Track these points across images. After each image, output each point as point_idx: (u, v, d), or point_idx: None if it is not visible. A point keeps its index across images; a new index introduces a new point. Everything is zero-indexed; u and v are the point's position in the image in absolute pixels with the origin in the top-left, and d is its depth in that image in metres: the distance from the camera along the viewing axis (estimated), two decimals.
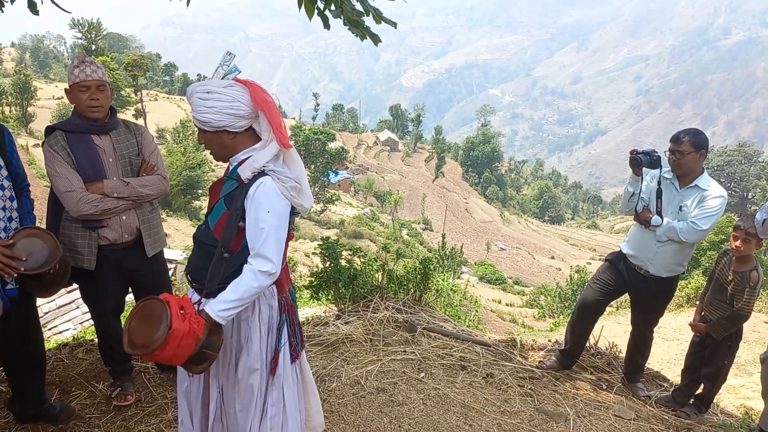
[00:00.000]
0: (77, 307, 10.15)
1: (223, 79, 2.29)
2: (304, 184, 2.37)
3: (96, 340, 4.30)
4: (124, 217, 3.27)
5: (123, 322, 3.55)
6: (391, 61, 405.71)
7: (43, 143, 3.17)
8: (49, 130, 3.19)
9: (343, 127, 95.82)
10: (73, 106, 3.23)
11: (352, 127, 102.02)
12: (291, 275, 2.65)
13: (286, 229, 2.33)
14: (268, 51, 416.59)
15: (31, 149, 40.21)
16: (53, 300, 9.85)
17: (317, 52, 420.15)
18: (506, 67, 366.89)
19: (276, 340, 2.47)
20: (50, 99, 62.76)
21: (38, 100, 59.46)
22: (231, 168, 2.38)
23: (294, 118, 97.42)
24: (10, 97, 56.95)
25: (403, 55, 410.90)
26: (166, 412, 3.50)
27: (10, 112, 54.93)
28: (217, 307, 2.23)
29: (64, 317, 10.04)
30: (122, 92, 55.25)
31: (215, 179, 2.51)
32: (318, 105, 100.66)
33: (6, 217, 2.79)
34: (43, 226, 2.83)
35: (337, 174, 62.76)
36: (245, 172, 2.28)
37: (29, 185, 3.06)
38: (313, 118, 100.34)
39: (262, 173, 2.29)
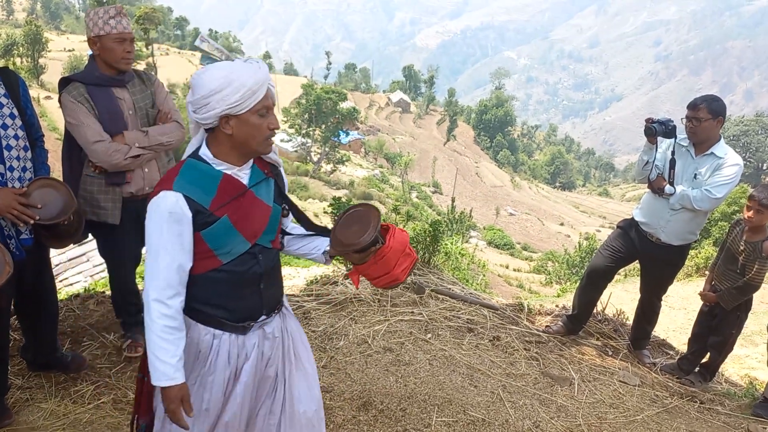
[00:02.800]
0: (88, 260, 10.25)
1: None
2: None
3: (107, 292, 4.36)
4: (146, 170, 3.27)
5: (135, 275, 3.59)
6: (406, 20, 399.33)
7: (60, 94, 3.12)
8: (66, 81, 3.15)
9: (355, 87, 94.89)
10: (88, 57, 3.20)
11: (364, 87, 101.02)
12: None
13: None
14: (281, 7, 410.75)
15: (42, 101, 40.15)
16: (64, 252, 9.93)
17: (331, 9, 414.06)
18: (523, 29, 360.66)
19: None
20: (62, 51, 62.41)
21: (49, 51, 59.09)
22: (251, 164, 2.02)
23: (305, 77, 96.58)
24: (21, 48, 56.62)
25: (417, 14, 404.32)
26: None
27: (21, 63, 54.67)
28: None
29: (75, 269, 10.15)
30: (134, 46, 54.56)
31: None
32: (330, 64, 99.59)
33: (21, 167, 2.79)
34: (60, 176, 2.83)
35: (347, 134, 62.37)
36: (274, 155, 2.04)
37: (43, 135, 3.05)
38: (325, 77, 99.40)
39: None
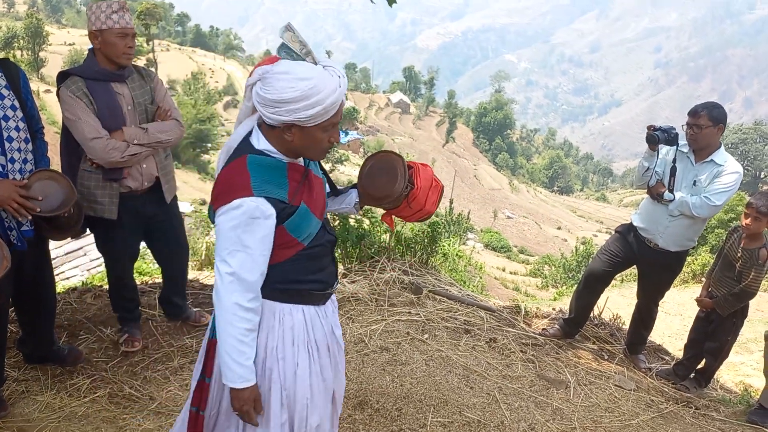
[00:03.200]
0: (85, 254, 10.23)
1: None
2: None
3: (105, 285, 4.36)
4: (144, 166, 3.26)
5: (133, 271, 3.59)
6: (407, 20, 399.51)
7: (59, 88, 3.10)
8: (64, 75, 3.13)
9: (355, 87, 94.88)
10: (87, 51, 3.20)
11: (364, 87, 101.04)
12: None
13: None
14: (282, 5, 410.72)
15: (42, 95, 40.07)
16: (61, 246, 9.91)
17: (331, 8, 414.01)
18: (524, 32, 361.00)
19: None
20: (62, 45, 62.34)
21: (50, 45, 59.05)
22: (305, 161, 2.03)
23: None
24: (21, 41, 56.55)
25: (419, 14, 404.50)
26: (172, 359, 3.56)
27: (22, 56, 54.60)
28: None
29: (72, 263, 10.12)
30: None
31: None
32: None
33: (22, 159, 2.79)
34: (59, 169, 2.83)
35: (347, 134, 62.42)
36: None
37: (43, 128, 3.05)
38: None
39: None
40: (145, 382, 3.33)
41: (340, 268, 5.34)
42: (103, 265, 3.97)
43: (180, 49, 79.36)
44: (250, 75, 1.83)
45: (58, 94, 3.09)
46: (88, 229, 3.36)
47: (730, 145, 67.70)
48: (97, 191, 3.17)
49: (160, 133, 3.24)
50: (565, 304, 6.14)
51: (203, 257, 6.87)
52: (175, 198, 3.58)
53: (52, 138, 4.01)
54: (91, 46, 3.18)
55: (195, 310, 3.95)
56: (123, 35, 3.07)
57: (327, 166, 54.54)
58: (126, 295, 3.59)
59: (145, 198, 3.34)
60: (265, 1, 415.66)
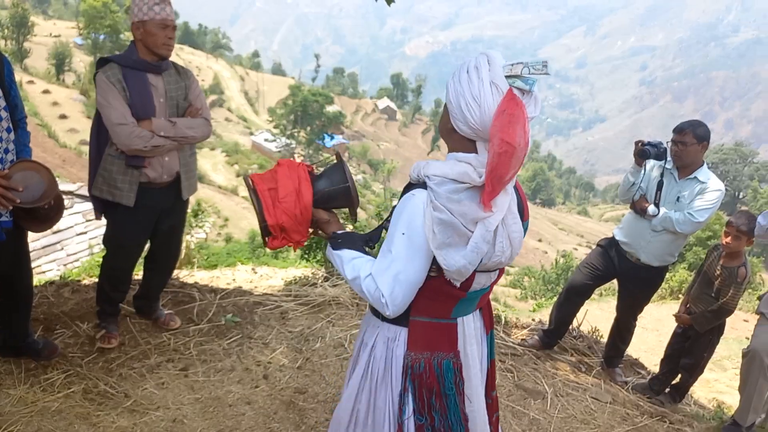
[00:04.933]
0: (62, 249, 10.12)
1: (510, 77, 1.65)
2: (475, 237, 1.69)
3: (84, 281, 4.31)
4: (166, 159, 3.30)
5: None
6: (397, 27, 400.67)
7: (96, 73, 3.16)
8: (104, 61, 3.20)
9: (342, 92, 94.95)
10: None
11: (352, 92, 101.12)
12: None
13: (416, 265, 1.75)
14: (273, 6, 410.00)
15: (25, 86, 39.57)
16: (38, 239, 9.79)
17: (323, 12, 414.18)
18: (512, 45, 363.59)
19: (398, 408, 1.88)
20: (47, 36, 61.58)
21: (35, 36, 58.29)
22: None
23: (293, 78, 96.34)
24: (6, 30, 55.79)
25: (409, 22, 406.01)
26: (148, 357, 3.52)
27: (6, 45, 53.87)
28: (338, 239, 1.93)
29: (49, 257, 10.00)
30: (121, 35, 54.17)
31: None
32: (319, 66, 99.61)
33: (3, 149, 2.75)
34: (40, 161, 2.79)
35: (332, 138, 62.29)
36: (413, 169, 1.78)
37: (26, 117, 3.01)
38: (313, 80, 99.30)
39: (424, 185, 1.73)
40: (120, 379, 3.29)
41: (322, 270, 5.32)
42: (82, 260, 3.93)
43: None
44: None
45: (94, 79, 3.17)
46: (102, 215, 3.40)
47: (710, 165, 67.31)
48: (118, 176, 3.21)
49: (187, 128, 3.29)
50: (544, 315, 6.17)
51: (183, 256, 6.82)
52: (187, 201, 3.60)
53: (33, 129, 3.97)
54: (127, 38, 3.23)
55: (166, 312, 3.90)
56: (164, 26, 3.16)
57: None
58: (119, 287, 3.57)
59: (163, 192, 3.37)
60: (255, 2, 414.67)
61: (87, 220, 10.48)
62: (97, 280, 3.82)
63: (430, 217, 1.68)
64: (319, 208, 1.99)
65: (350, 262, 1.86)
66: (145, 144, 3.12)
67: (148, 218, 3.40)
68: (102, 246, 3.86)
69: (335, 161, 2.06)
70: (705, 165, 4.03)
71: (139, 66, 3.19)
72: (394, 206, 1.83)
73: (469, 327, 1.96)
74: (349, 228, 1.99)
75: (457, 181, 1.66)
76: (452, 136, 1.80)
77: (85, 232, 10.59)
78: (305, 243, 2.10)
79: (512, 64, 1.66)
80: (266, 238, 2.00)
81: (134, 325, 3.78)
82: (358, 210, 2.18)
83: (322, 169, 2.09)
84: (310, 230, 2.03)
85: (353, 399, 1.98)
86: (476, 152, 1.73)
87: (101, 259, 3.63)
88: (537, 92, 1.69)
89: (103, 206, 3.36)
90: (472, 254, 1.70)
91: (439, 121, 1.87)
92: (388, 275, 1.74)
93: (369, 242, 1.93)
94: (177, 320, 3.89)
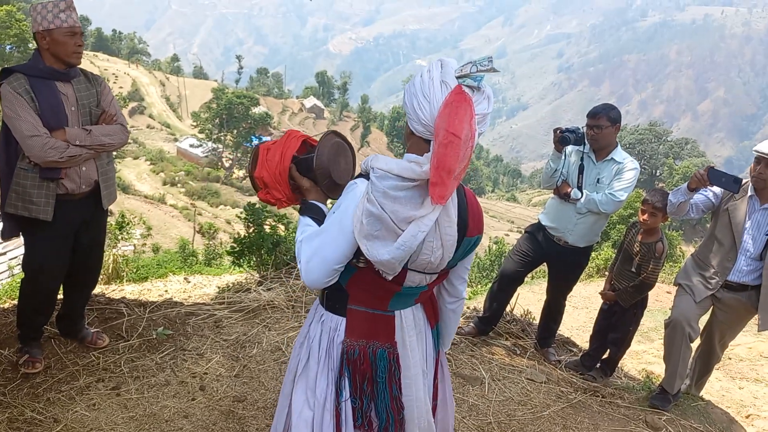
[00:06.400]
0: None
1: (460, 77, 1.69)
2: (405, 235, 1.70)
3: (3, 304, 4.10)
4: (83, 168, 3.18)
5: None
6: (319, 25, 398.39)
7: (0, 85, 2.99)
8: (7, 72, 3.03)
9: (268, 92, 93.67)
10: (36, 49, 3.10)
11: (277, 92, 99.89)
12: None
13: (341, 249, 1.80)
14: (190, 8, 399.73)
15: None
16: None
17: (242, 12, 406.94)
18: (434, 38, 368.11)
19: (335, 391, 1.97)
20: None
21: None
22: None
23: (216, 81, 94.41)
24: None
25: (331, 20, 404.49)
26: (77, 378, 3.38)
27: None
28: (303, 206, 2.07)
29: None
30: (30, 45, 51.57)
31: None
32: (242, 68, 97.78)
33: None
34: None
35: (260, 140, 61.23)
36: (364, 161, 1.80)
37: None
38: (237, 82, 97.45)
39: (367, 174, 1.79)
40: (48, 404, 3.15)
41: (255, 275, 5.25)
42: (2, 282, 3.73)
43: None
44: None
45: None
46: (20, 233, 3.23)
47: (627, 146, 71.53)
48: (33, 191, 3.06)
49: (103, 136, 3.18)
50: (479, 302, 6.30)
51: (110, 270, 6.57)
52: (107, 211, 3.47)
53: None
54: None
55: (93, 331, 3.76)
56: (72, 33, 3.04)
57: (241, 173, 53.37)
58: (42, 310, 3.40)
59: (82, 202, 3.25)
60: (171, 5, 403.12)
61: (4, 241, 9.97)
62: (17, 302, 3.64)
63: (361, 207, 1.72)
64: (303, 176, 2.11)
65: (302, 225, 1.99)
66: (60, 155, 3.00)
67: (67, 233, 3.27)
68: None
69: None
70: (619, 146, 4.20)
71: (47, 74, 3.06)
72: None
73: (408, 319, 2.02)
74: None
75: (400, 177, 1.69)
76: (410, 138, 1.86)
77: (4, 253, 10.09)
78: (289, 205, 2.28)
79: (462, 66, 1.72)
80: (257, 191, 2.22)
81: (59, 347, 3.63)
82: (293, 211, 2.21)
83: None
84: (296, 194, 2.17)
85: (289, 390, 2.07)
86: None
87: (21, 281, 3.45)
88: (489, 90, 1.74)
89: (18, 225, 3.20)
90: (397, 251, 1.72)
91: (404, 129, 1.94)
92: (311, 246, 1.85)
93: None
94: (105, 338, 3.76)
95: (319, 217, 2.01)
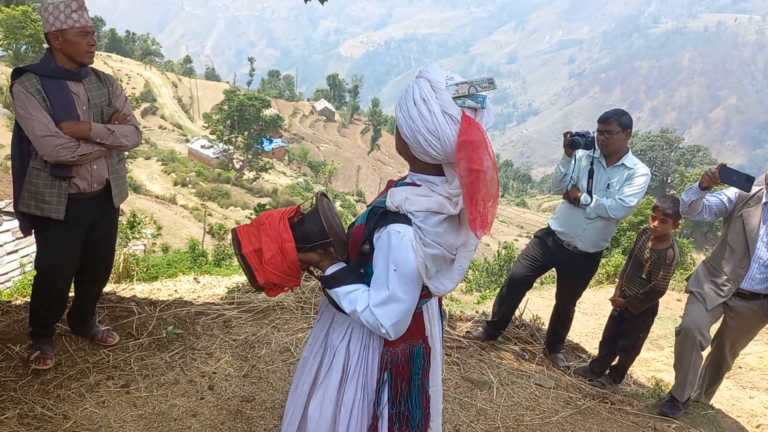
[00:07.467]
0: None
1: (458, 97, 1.71)
2: (460, 261, 1.84)
3: (15, 301, 4.13)
4: (94, 167, 3.21)
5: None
6: (330, 29, 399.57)
7: (12, 84, 3.04)
8: (19, 72, 3.07)
9: (279, 95, 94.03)
10: (47, 48, 3.12)
11: (288, 94, 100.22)
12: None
13: (411, 297, 1.82)
14: (203, 10, 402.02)
15: None
16: None
17: (254, 15, 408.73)
18: (445, 43, 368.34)
19: (374, 401, 1.98)
20: None
21: None
22: (397, 181, 1.99)
23: (228, 83, 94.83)
24: None
25: (342, 23, 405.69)
26: (87, 376, 3.40)
27: None
28: (330, 280, 1.94)
29: None
30: (45, 45, 52.09)
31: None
32: (253, 70, 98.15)
33: None
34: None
35: (271, 142, 61.66)
36: (393, 199, 1.80)
37: None
38: (248, 84, 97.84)
39: (407, 218, 1.78)
40: (58, 401, 3.17)
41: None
42: (14, 279, 3.77)
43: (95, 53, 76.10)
44: None
45: (11, 90, 3.04)
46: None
47: (639, 152, 71.17)
48: (45, 190, 3.10)
49: (122, 137, 3.23)
50: (488, 307, 6.29)
51: (121, 269, 6.62)
52: (118, 209, 3.50)
53: None
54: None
55: (103, 328, 3.78)
56: (85, 33, 3.07)
57: (251, 175, 53.54)
58: (54, 307, 3.42)
59: (94, 201, 3.28)
60: (184, 7, 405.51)
61: (17, 238, 10.06)
62: (29, 299, 3.67)
63: (422, 253, 1.76)
64: (307, 252, 2.02)
65: (346, 297, 1.90)
66: (72, 154, 3.03)
67: (79, 231, 3.29)
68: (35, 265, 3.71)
69: (315, 203, 2.09)
70: (630, 151, 4.19)
71: (58, 74, 3.09)
72: (369, 209, 1.90)
73: (432, 309, 2.11)
74: None
75: (438, 212, 1.78)
76: (415, 161, 1.87)
77: (16, 251, 10.16)
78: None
79: (457, 84, 1.71)
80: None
81: (70, 344, 3.65)
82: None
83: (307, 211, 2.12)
84: (305, 273, 2.13)
85: (333, 402, 2.01)
86: (442, 174, 1.83)
87: (33, 279, 3.48)
88: (489, 105, 1.75)
89: (31, 223, 3.23)
90: (458, 276, 1.88)
91: (395, 143, 1.93)
92: (387, 310, 1.82)
93: (359, 269, 1.95)
94: (115, 336, 3.78)
95: (349, 279, 1.92)
